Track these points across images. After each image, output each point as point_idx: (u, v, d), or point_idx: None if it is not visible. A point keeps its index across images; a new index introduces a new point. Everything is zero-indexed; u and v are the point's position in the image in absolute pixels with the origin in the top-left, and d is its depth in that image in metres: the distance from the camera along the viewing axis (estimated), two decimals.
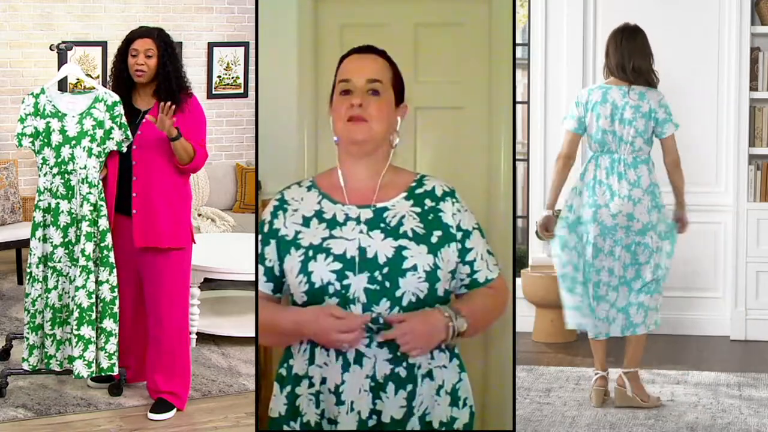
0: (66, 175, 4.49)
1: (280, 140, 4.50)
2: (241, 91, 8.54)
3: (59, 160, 4.48)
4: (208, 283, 6.37)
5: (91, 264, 4.49)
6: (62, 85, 4.78)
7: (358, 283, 2.49)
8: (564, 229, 4.82)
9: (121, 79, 4.62)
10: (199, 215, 7.56)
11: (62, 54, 4.94)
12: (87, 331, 4.49)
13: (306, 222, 2.59)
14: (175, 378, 4.69)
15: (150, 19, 7.78)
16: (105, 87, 4.67)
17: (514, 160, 4.42)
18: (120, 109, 4.53)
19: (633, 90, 4.79)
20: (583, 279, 4.81)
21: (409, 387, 2.52)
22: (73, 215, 4.50)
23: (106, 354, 4.55)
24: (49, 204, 4.51)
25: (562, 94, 6.38)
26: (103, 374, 4.60)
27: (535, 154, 6.46)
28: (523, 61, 6.65)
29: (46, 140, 4.49)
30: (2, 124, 7.59)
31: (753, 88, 6.16)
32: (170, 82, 4.52)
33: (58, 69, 4.91)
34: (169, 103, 4.38)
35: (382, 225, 2.55)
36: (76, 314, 4.47)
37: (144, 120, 4.54)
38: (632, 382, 4.83)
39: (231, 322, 5.93)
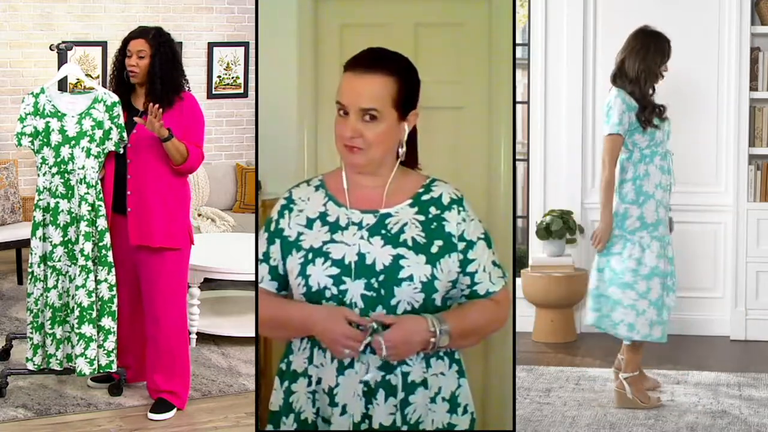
0: (65, 175, 4.49)
1: (280, 140, 4.50)
2: (241, 91, 8.54)
3: (58, 159, 4.49)
4: (208, 283, 6.37)
5: (90, 263, 4.50)
6: (62, 85, 4.78)
7: (355, 288, 2.47)
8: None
9: (120, 79, 4.64)
10: (199, 215, 7.56)
11: (62, 54, 4.94)
12: (88, 330, 4.50)
13: (309, 224, 2.57)
14: (175, 377, 4.69)
15: (150, 19, 7.78)
16: (105, 87, 4.68)
17: (514, 160, 4.42)
18: (119, 110, 4.53)
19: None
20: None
21: (401, 395, 2.49)
22: (73, 215, 4.50)
23: (105, 351, 4.57)
24: (49, 203, 4.51)
25: (562, 94, 6.38)
26: (101, 371, 4.61)
27: (535, 154, 6.46)
28: (523, 61, 6.65)
29: (45, 140, 4.50)
30: (2, 124, 7.59)
31: (753, 88, 6.15)
32: (157, 83, 4.51)
33: (58, 69, 4.90)
34: (156, 105, 4.39)
35: (383, 232, 2.52)
36: (76, 313, 4.49)
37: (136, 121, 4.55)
38: (633, 386, 4.82)
39: (231, 322, 5.93)
